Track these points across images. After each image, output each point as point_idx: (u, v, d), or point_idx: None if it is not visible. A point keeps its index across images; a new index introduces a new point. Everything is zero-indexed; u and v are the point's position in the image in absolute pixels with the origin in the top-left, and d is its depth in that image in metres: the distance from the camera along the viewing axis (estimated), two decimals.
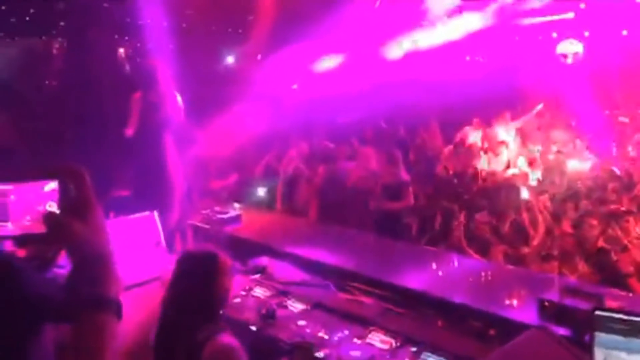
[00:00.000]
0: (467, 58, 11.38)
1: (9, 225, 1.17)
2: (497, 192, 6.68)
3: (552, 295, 2.74)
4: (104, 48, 8.00)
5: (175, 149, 4.79)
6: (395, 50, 9.93)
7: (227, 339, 2.39)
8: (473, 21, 9.64)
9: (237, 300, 3.35)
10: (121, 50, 9.19)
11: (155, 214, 3.78)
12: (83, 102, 6.99)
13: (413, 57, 9.68)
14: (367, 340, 2.91)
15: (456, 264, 3.88)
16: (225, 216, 4.50)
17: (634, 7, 9.00)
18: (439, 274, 3.70)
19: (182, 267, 2.61)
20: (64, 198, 1.14)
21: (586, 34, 10.78)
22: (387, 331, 2.93)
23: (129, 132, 4.65)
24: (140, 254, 3.57)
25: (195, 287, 2.51)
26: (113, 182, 5.16)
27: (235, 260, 3.98)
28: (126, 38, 8.80)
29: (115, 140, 4.86)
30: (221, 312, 2.57)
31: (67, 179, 1.14)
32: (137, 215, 3.72)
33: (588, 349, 1.93)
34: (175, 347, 2.44)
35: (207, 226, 4.52)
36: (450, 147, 8.69)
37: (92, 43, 7.61)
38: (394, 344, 2.84)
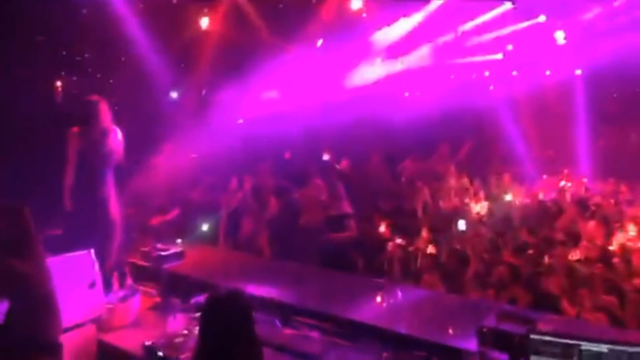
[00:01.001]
0: (406, 94, 11.86)
1: None
2: (439, 223, 6.89)
3: (490, 321, 2.84)
4: (38, 81, 7.73)
5: (114, 186, 4.65)
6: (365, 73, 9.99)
7: None
8: (412, 59, 10.11)
9: (179, 340, 3.24)
10: (58, 84, 8.91)
11: (92, 252, 3.63)
12: (13, 135, 6.69)
13: (356, 92, 9.95)
14: None
15: (399, 294, 3.94)
16: (166, 253, 4.37)
17: (555, 50, 9.77)
18: (383, 306, 3.74)
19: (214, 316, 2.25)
20: (2, 237, 1.09)
21: (514, 73, 11.54)
22: None
23: (69, 169, 4.49)
24: (74, 296, 3.40)
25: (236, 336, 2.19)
26: (45, 220, 4.92)
27: (176, 298, 3.89)
28: (62, 72, 8.55)
29: (48, 175, 4.67)
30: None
31: (4, 217, 1.10)
32: (72, 254, 3.55)
33: None
34: None
35: (147, 264, 4.38)
36: (392, 180, 8.92)
37: (25, 75, 7.34)
38: None
